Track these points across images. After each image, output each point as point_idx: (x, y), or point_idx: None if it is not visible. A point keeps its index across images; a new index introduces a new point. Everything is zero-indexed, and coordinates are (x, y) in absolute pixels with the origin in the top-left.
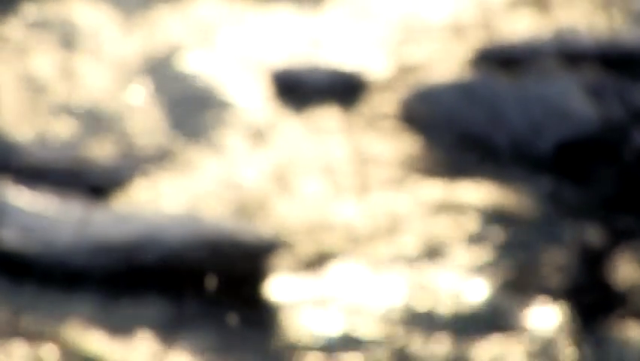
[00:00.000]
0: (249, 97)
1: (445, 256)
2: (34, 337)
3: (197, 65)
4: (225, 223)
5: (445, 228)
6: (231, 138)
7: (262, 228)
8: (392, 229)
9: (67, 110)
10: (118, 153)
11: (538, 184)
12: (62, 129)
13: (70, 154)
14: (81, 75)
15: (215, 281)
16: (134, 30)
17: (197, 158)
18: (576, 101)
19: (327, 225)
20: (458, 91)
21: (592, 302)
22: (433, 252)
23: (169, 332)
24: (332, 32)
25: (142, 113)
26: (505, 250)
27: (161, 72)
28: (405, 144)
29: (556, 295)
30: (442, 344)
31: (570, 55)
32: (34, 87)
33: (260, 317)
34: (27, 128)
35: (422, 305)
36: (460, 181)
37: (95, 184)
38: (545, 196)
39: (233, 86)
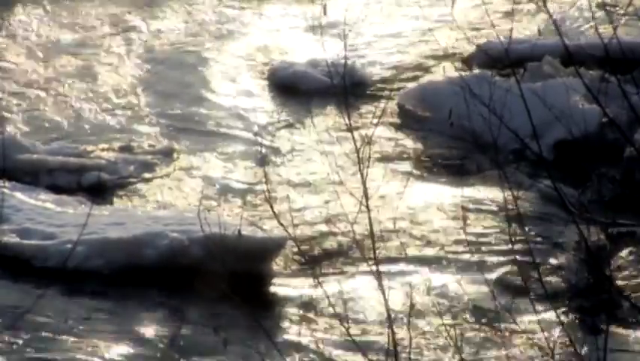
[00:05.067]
0: (250, 96)
1: (446, 255)
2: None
3: (199, 65)
4: (227, 223)
5: (446, 227)
6: (232, 138)
7: (264, 228)
8: (393, 228)
9: (70, 110)
10: (118, 153)
11: (537, 184)
12: (63, 130)
13: (71, 154)
14: (83, 76)
15: (216, 281)
16: (136, 31)
17: (198, 158)
18: (576, 101)
19: (330, 225)
20: (458, 91)
21: (592, 302)
22: (433, 251)
23: (169, 330)
24: (333, 32)
25: (143, 113)
26: (506, 249)
27: (162, 72)
28: (405, 143)
29: (556, 295)
30: (441, 343)
31: (570, 55)
32: (38, 87)
33: (262, 316)
34: (28, 128)
35: (423, 304)
36: (459, 180)
37: (95, 184)
38: (545, 196)
39: (235, 86)
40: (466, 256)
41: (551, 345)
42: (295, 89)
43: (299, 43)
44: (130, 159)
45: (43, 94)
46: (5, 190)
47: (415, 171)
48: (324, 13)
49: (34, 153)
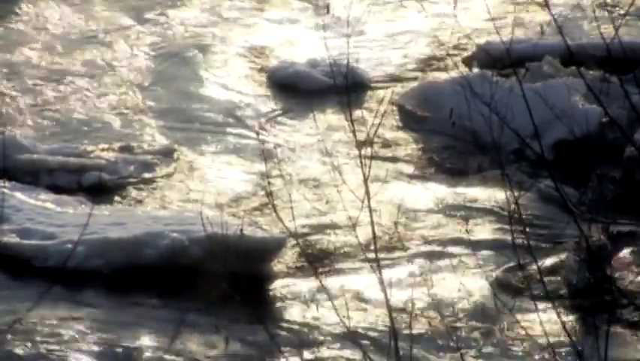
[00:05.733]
0: (251, 96)
1: (446, 255)
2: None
3: (199, 65)
4: (227, 223)
5: (446, 226)
6: (232, 138)
7: (265, 227)
8: (394, 227)
9: (70, 109)
10: (118, 153)
11: (538, 184)
12: (63, 130)
13: (70, 154)
14: (83, 76)
15: (217, 280)
16: (135, 31)
17: (198, 158)
18: (577, 101)
19: (330, 224)
20: (459, 90)
21: (593, 302)
22: (434, 250)
23: (170, 330)
24: (334, 32)
25: (143, 113)
26: (507, 249)
27: (162, 72)
28: (405, 143)
29: (556, 294)
30: (442, 342)
31: (571, 55)
32: (37, 87)
33: (263, 315)
34: (28, 128)
35: (423, 303)
36: (460, 180)
37: (95, 184)
38: (546, 196)
39: (235, 86)
40: (467, 256)
41: (551, 345)
42: (295, 89)
43: (299, 42)
44: (130, 159)
45: (43, 94)
46: (5, 190)
47: (415, 171)
48: (327, 12)
49: (34, 153)
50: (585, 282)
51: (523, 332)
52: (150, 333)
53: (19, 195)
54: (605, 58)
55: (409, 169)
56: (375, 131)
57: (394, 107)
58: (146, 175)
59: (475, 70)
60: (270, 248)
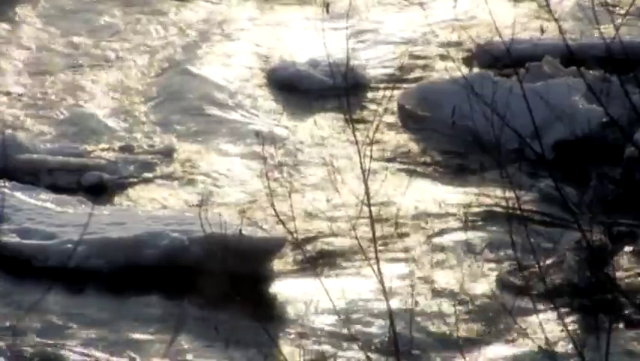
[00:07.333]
0: (250, 96)
1: (447, 255)
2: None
3: (199, 65)
4: (227, 223)
5: (447, 226)
6: (232, 138)
7: (265, 228)
8: (394, 227)
9: (70, 109)
10: (118, 153)
11: (538, 184)
12: (63, 130)
13: (71, 154)
14: (84, 76)
15: (216, 280)
16: (135, 30)
17: (198, 158)
18: (577, 101)
19: (330, 223)
20: (459, 90)
21: (593, 302)
22: (434, 250)
23: (170, 330)
24: (334, 32)
25: (143, 113)
26: (507, 248)
27: (162, 72)
28: (405, 143)
29: (557, 294)
30: (443, 342)
31: (571, 55)
32: (36, 88)
33: (262, 315)
34: (28, 128)
35: (424, 303)
36: (460, 180)
37: (95, 184)
38: (547, 196)
39: (235, 86)
40: (467, 256)
41: (552, 345)
42: (295, 89)
43: (299, 42)
44: (130, 159)
45: (42, 93)
46: (5, 190)
47: (415, 170)
48: (327, 12)
49: (34, 153)
50: (585, 282)
51: (523, 332)
52: (150, 333)
53: (19, 195)
54: (605, 58)
55: (408, 169)
56: (375, 131)
57: (394, 107)
58: (146, 175)
59: (476, 70)
60: (269, 248)
